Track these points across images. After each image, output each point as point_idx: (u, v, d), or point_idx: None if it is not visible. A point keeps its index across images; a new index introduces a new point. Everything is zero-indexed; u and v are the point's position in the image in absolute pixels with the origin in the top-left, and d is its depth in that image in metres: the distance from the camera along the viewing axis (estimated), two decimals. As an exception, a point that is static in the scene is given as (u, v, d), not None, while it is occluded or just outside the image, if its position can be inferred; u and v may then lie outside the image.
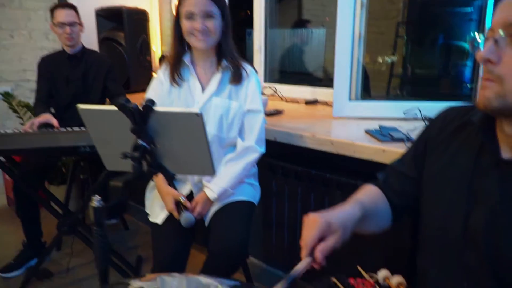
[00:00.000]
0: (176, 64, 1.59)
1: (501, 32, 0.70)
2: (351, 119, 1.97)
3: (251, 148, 1.60)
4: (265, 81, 2.75)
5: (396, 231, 1.11)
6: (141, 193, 1.78)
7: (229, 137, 1.61)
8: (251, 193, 1.68)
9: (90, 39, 2.97)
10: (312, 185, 1.87)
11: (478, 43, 0.76)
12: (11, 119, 3.11)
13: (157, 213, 1.60)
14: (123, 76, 2.98)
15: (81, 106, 1.02)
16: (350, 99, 2.01)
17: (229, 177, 1.57)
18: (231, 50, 1.57)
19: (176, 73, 1.59)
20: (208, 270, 1.45)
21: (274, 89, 2.62)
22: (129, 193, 2.79)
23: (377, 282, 1.41)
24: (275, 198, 2.03)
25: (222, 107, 1.58)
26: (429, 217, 0.92)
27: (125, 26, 2.97)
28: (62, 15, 2.32)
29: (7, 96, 2.99)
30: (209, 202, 1.56)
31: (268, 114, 2.10)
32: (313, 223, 0.81)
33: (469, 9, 2.31)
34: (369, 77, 2.41)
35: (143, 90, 1.71)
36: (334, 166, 1.79)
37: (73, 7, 2.39)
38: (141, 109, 0.95)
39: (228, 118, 1.59)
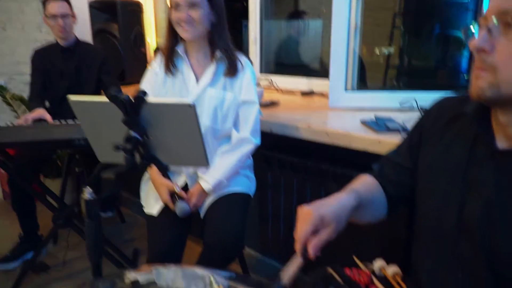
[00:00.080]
0: (170, 54, 1.58)
1: (494, 20, 0.69)
2: (347, 110, 1.96)
3: (246, 139, 1.59)
4: (261, 72, 2.74)
5: (392, 221, 1.11)
6: (137, 185, 1.78)
7: (224, 128, 1.60)
8: (246, 185, 1.68)
9: (83, 31, 2.94)
10: (308, 177, 1.87)
11: (472, 33, 0.75)
12: (5, 112, 3.09)
13: (152, 204, 1.60)
14: (117, 68, 2.95)
15: (72, 98, 1.01)
16: (346, 89, 2.00)
17: (224, 169, 1.56)
18: (225, 41, 1.55)
19: (170, 63, 1.58)
20: (204, 262, 1.45)
21: (269, 80, 2.60)
22: (122, 185, 2.77)
23: (373, 272, 1.41)
24: (271, 189, 2.03)
25: (216, 98, 1.57)
26: (424, 208, 0.91)
27: (119, 18, 2.94)
28: (55, 7, 2.29)
29: (1, 89, 2.97)
30: (204, 193, 1.56)
31: (264, 105, 2.09)
32: (306, 217, 0.80)
33: (466, -1, 2.30)
34: (365, 68, 2.40)
35: (138, 82, 1.70)
36: (330, 158, 1.78)
37: (65, -1, 2.36)
38: (133, 100, 0.94)
39: (223, 110, 1.58)
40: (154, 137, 1.01)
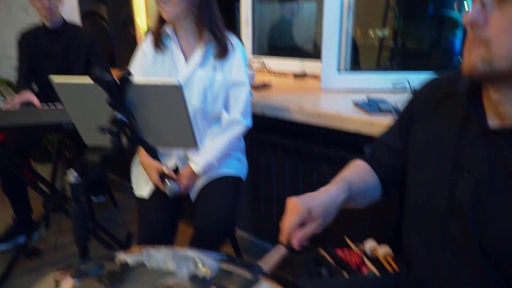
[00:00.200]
0: (157, 33, 1.57)
1: (488, -6, 0.67)
2: (340, 92, 1.94)
3: (236, 121, 1.58)
4: (253, 54, 2.70)
5: (384, 202, 1.10)
6: (129, 169, 1.76)
7: (214, 110, 1.59)
8: (238, 167, 1.67)
9: (71, 13, 2.88)
10: (300, 159, 1.86)
11: (465, 7, 0.73)
12: (-8, 96, 3.04)
13: (142, 187, 1.60)
14: (107, 51, 2.90)
15: (56, 79, 0.98)
16: (338, 70, 1.98)
17: (214, 151, 1.55)
18: (213, 22, 1.52)
19: (158, 41, 1.57)
20: (195, 244, 1.45)
21: (262, 62, 2.57)
22: (109, 169, 2.75)
23: (364, 252, 1.42)
24: (263, 172, 2.02)
25: (206, 79, 1.55)
26: (414, 188, 0.91)
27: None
28: (40, -12, 2.23)
29: (-12, 74, 2.91)
30: (194, 175, 1.55)
31: (256, 88, 2.07)
32: (294, 209, 0.80)
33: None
34: (359, 49, 2.37)
35: (128, 64, 1.68)
36: (323, 140, 1.78)
37: (51, -20, 2.29)
38: (118, 81, 0.92)
39: (213, 91, 1.56)
40: (140, 119, 0.99)
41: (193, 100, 1.54)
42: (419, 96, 0.94)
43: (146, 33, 2.81)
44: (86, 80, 0.96)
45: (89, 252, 0.98)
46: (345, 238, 1.50)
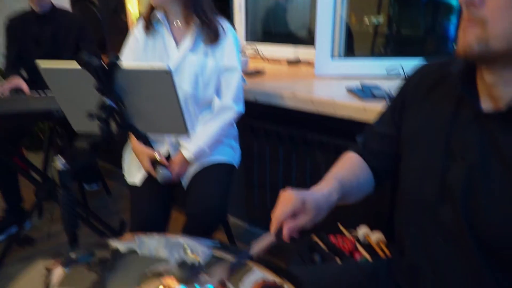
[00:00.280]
0: (148, 16, 1.56)
1: (484, -28, 0.66)
2: (334, 79, 1.92)
3: (227, 107, 1.57)
4: (246, 40, 2.67)
5: (377, 188, 1.10)
6: (122, 157, 1.74)
7: (205, 95, 1.57)
8: (230, 154, 1.66)
9: (61, -1, 2.82)
10: (294, 146, 1.85)
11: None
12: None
13: (134, 173, 1.59)
14: (97, 37, 2.85)
15: (42, 65, 0.96)
16: (332, 57, 1.96)
17: (205, 137, 1.54)
18: (199, 6, 1.49)
19: (149, 24, 1.56)
20: (187, 232, 1.45)
21: (255, 49, 2.54)
22: (98, 155, 2.73)
23: (357, 239, 1.42)
24: (257, 159, 2.01)
25: (197, 64, 1.53)
26: (407, 175, 0.90)
27: (99, -16, 2.83)
28: (27, -29, 2.18)
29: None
30: (186, 162, 1.54)
31: (249, 74, 2.05)
32: (288, 199, 0.79)
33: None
34: (353, 36, 2.35)
35: (119, 51, 1.66)
36: (316, 127, 1.77)
37: (39, -37, 2.24)
38: (106, 66, 0.90)
39: (204, 76, 1.54)
40: (130, 105, 0.97)
41: (184, 86, 1.52)
42: (411, 82, 0.93)
43: (138, 19, 2.76)
44: (73, 65, 0.94)
45: (79, 240, 0.97)
46: (338, 225, 1.50)
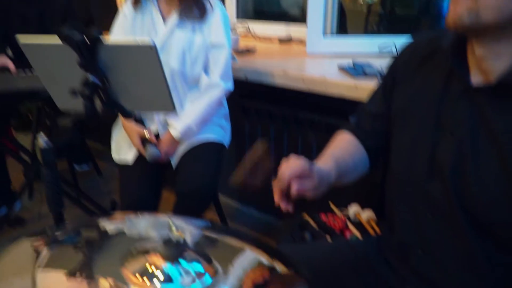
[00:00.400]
0: None
1: None
2: (326, 57, 1.90)
3: (215, 84, 1.54)
4: (238, 18, 2.62)
5: (372, 168, 1.09)
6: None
7: (193, 72, 1.55)
8: (220, 134, 1.65)
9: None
10: (285, 125, 1.84)
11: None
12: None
13: (126, 151, 1.58)
14: (86, 16, 2.79)
15: (22, 40, 0.93)
16: (324, 34, 1.93)
17: (192, 114, 1.52)
18: None
19: (138, 1, 1.54)
20: (178, 211, 1.44)
21: (246, 27, 2.50)
22: (82, 133, 2.69)
23: (348, 217, 1.43)
24: (248, 138, 2.00)
25: (185, 41, 1.50)
26: (397, 151, 0.89)
27: (85, -41, 2.75)
28: None
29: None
30: (174, 141, 1.53)
31: (240, 53, 2.02)
32: (296, 161, 0.77)
33: None
34: (346, 14, 2.31)
35: (108, 30, 1.64)
36: (308, 106, 1.75)
37: None
38: (88, 41, 0.87)
39: (192, 53, 1.52)
40: (115, 82, 0.94)
41: (171, 62, 1.50)
42: (401, 58, 0.92)
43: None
44: (54, 40, 0.91)
45: (71, 221, 0.96)
46: (329, 203, 1.50)
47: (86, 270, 0.67)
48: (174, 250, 0.65)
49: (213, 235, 0.86)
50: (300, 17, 2.75)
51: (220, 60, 1.53)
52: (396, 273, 0.89)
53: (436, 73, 0.81)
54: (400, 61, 0.91)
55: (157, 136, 1.58)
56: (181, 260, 0.65)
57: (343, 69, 1.62)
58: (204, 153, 1.54)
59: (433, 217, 0.80)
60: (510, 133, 0.68)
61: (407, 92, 0.87)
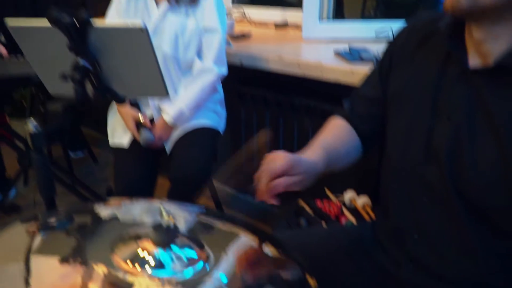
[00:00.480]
0: None
1: None
2: (322, 42, 1.88)
3: (208, 68, 1.53)
4: (233, 3, 2.59)
5: (365, 154, 1.09)
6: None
7: (186, 57, 1.53)
8: (215, 120, 1.64)
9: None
10: (280, 111, 1.83)
11: None
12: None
13: (121, 134, 1.58)
14: (79, 1, 2.74)
15: (11, 23, 0.91)
16: (320, 19, 1.90)
17: (185, 99, 1.51)
18: None
19: None
20: (172, 197, 1.45)
21: (242, 12, 2.46)
22: (72, 118, 2.67)
23: (343, 203, 1.43)
24: (244, 124, 1.99)
25: (177, 25, 1.49)
26: (393, 135, 0.88)
27: None
28: None
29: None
30: (168, 126, 1.52)
31: (235, 38, 1.99)
32: (281, 156, 0.75)
33: None
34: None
35: (103, 14, 1.62)
36: (304, 92, 1.74)
37: None
38: (77, 24, 0.85)
39: (184, 37, 1.50)
40: (106, 66, 0.93)
41: (164, 47, 1.49)
42: (397, 42, 0.90)
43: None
44: (43, 23, 0.89)
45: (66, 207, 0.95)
46: (325, 190, 1.50)
47: (77, 255, 0.66)
48: (166, 236, 0.64)
49: (207, 221, 0.86)
50: (296, 2, 2.71)
51: (213, 45, 1.51)
52: (391, 258, 0.89)
53: (433, 56, 0.80)
54: (397, 45, 0.90)
55: (151, 120, 1.57)
56: (173, 246, 0.64)
57: (339, 54, 1.60)
58: (198, 138, 1.53)
59: (429, 202, 0.79)
60: (507, 116, 0.68)
61: (403, 76, 0.85)
